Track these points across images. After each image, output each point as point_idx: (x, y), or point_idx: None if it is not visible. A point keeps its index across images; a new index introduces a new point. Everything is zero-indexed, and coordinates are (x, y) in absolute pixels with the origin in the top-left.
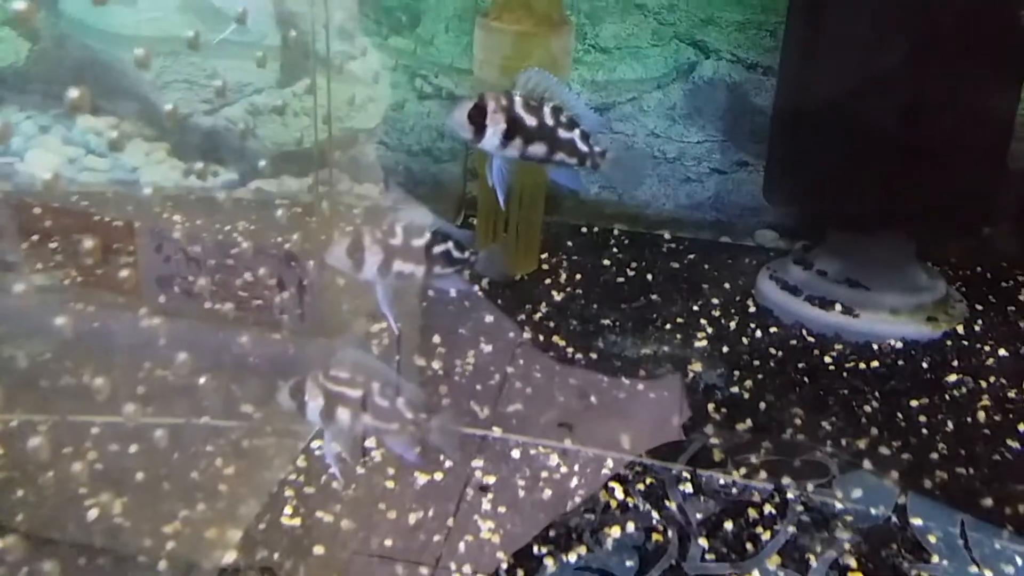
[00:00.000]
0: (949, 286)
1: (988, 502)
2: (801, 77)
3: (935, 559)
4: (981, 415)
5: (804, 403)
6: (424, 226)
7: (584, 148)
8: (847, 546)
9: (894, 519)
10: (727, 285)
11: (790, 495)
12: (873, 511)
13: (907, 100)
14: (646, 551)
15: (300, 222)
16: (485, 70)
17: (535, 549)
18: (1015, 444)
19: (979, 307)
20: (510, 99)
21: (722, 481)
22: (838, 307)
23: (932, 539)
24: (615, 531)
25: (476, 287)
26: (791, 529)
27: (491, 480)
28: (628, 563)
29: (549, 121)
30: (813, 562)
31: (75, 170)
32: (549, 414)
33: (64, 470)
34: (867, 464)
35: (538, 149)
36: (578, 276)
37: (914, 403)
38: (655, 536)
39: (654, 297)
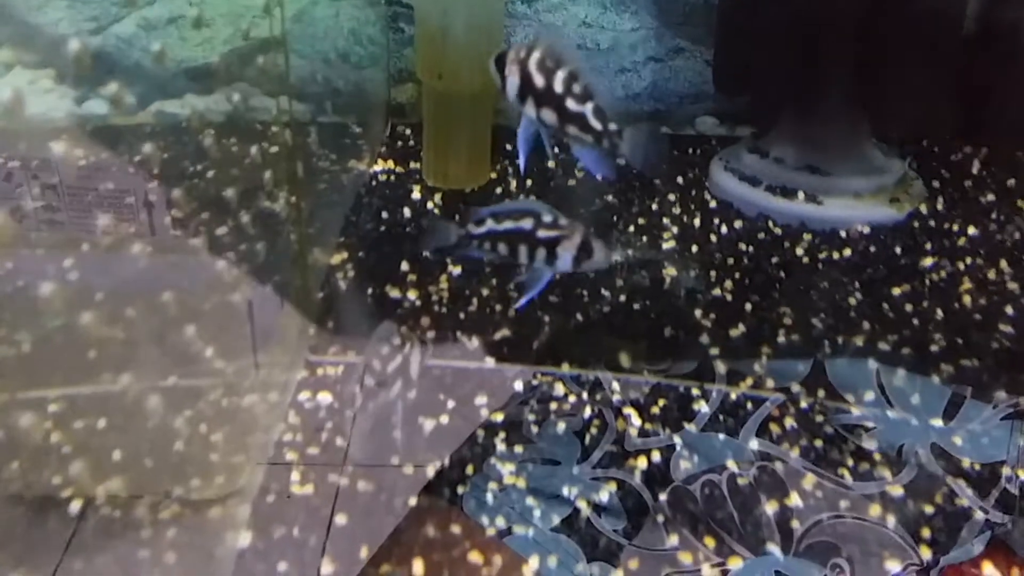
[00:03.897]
0: (904, 164)
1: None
2: None
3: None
4: (967, 300)
5: (789, 301)
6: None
7: (597, 125)
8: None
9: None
10: (679, 179)
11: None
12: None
13: None
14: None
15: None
16: None
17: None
18: (1008, 328)
19: (935, 184)
20: (528, 53)
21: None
22: (801, 195)
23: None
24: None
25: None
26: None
27: (499, 418)
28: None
29: (558, 88)
30: None
31: None
32: (540, 338)
33: None
34: (871, 365)
35: (549, 116)
36: (529, 182)
37: (896, 291)
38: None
39: (609, 198)
